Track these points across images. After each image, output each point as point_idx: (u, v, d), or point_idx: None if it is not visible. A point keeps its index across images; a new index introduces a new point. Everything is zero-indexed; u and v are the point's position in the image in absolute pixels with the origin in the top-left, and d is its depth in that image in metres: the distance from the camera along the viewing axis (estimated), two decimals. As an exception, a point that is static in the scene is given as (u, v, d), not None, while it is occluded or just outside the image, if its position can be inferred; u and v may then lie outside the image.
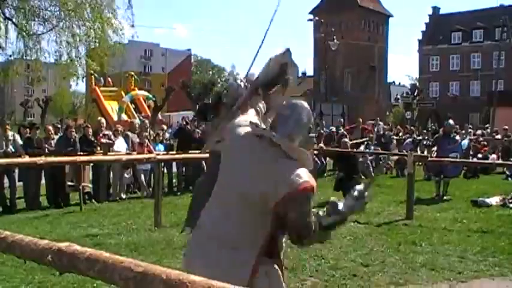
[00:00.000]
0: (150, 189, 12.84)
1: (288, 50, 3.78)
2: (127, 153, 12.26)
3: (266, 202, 2.66)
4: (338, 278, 6.05)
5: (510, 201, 11.72)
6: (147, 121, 16.35)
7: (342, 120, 21.74)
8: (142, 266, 1.72)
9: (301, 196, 2.63)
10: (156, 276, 1.64)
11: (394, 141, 20.06)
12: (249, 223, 2.74)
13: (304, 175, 2.66)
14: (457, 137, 14.34)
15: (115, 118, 21.63)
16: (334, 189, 12.45)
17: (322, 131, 19.63)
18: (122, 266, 1.78)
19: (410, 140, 19.54)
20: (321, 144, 14.59)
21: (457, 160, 12.92)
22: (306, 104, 3.02)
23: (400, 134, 22.40)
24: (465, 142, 19.09)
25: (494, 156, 19.22)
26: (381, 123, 22.01)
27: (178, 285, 1.57)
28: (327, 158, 17.92)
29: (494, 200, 11.81)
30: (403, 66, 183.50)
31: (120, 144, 12.86)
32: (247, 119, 3.03)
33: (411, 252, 7.21)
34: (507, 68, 40.99)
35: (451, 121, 14.10)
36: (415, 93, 54.58)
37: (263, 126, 2.96)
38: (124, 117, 21.74)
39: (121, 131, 13.54)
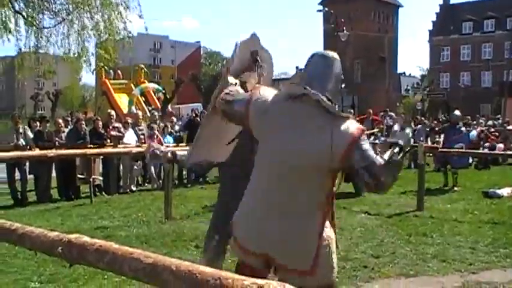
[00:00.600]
0: (160, 181, 12.88)
1: (254, 34, 3.75)
2: (137, 146, 12.28)
3: (324, 161, 2.75)
4: (349, 269, 6.03)
5: (522, 192, 11.66)
6: (156, 113, 16.35)
7: (352, 111, 21.57)
8: (152, 258, 1.72)
9: (362, 138, 2.79)
10: (166, 268, 1.64)
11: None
12: (307, 190, 2.83)
13: (352, 122, 2.83)
14: (463, 128, 14.29)
15: (125, 111, 21.66)
16: (344, 180, 12.44)
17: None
18: (132, 258, 1.79)
19: (421, 126, 19.35)
20: None
21: (466, 151, 12.89)
22: (336, 55, 3.15)
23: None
24: (473, 133, 19.03)
25: (501, 145, 19.13)
26: (392, 113, 21.95)
27: (188, 276, 1.57)
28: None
29: (506, 191, 11.74)
30: (413, 56, 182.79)
31: (129, 137, 12.89)
32: (270, 91, 3.13)
33: (422, 243, 7.19)
34: (518, 58, 40.68)
35: (457, 112, 14.08)
36: (426, 84, 54.38)
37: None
38: (134, 109, 21.76)
39: (131, 123, 13.56)
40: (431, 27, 72.47)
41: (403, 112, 41.62)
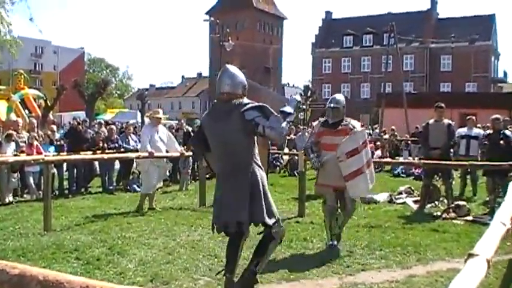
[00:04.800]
0: (40, 192, 12.38)
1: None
2: (14, 155, 11.73)
3: None
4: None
5: (396, 197, 12.33)
6: (34, 121, 15.71)
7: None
8: (19, 268, 1.67)
9: None
10: (33, 278, 1.60)
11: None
12: None
13: None
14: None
15: (3, 118, 20.67)
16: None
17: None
18: (-5, 270, 1.72)
19: (301, 134, 19.98)
20: None
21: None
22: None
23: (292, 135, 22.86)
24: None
25: (378, 152, 20.16)
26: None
27: (56, 286, 1.54)
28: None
29: (382, 197, 12.37)
30: (297, 68, 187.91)
31: (9, 149, 12.27)
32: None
33: (302, 248, 7.42)
34: (394, 71, 42.98)
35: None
36: (308, 95, 56.06)
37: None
38: (13, 117, 20.82)
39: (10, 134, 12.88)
40: (314, 40, 74.88)
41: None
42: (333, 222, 7.46)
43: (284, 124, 4.92)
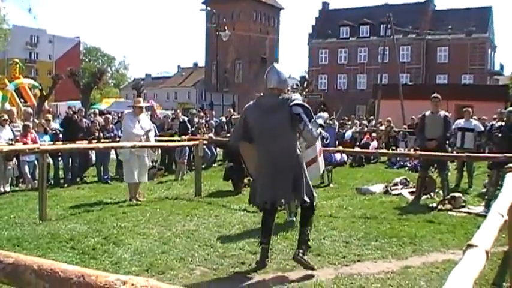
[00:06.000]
0: (35, 181, 12.33)
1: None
2: (9, 144, 11.67)
3: None
4: (226, 266, 6.12)
5: (392, 188, 12.35)
6: (30, 110, 15.64)
7: (231, 110, 21.80)
8: (13, 257, 1.65)
9: None
10: (28, 267, 1.58)
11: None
12: None
13: None
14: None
15: (-2, 107, 20.60)
16: (223, 178, 12.58)
17: (212, 121, 19.70)
18: (-10, 258, 1.70)
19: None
20: (211, 134, 14.62)
21: (340, 149, 13.47)
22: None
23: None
24: (349, 133, 19.94)
25: (374, 143, 20.18)
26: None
27: (51, 275, 1.52)
28: (217, 149, 18.03)
29: (378, 188, 12.39)
30: (293, 58, 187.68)
31: (4, 134, 12.23)
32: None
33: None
34: (391, 63, 42.91)
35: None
36: (305, 85, 56.02)
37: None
38: (8, 106, 20.76)
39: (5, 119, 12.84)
40: (310, 31, 74.76)
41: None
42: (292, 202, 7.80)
43: (318, 131, 6.00)
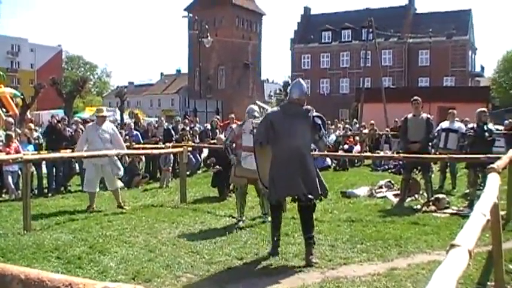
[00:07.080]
0: (19, 191, 12.22)
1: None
2: (-8, 154, 11.55)
3: None
4: (213, 272, 6.12)
5: (377, 191, 12.41)
6: (11, 119, 15.50)
7: (218, 117, 21.79)
8: (-1, 267, 1.64)
9: None
10: (15, 277, 1.57)
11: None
12: None
13: None
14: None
15: (-21, 117, 20.39)
16: (211, 185, 12.56)
17: (196, 128, 19.67)
18: (-25, 269, 1.69)
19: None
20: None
21: (327, 154, 13.48)
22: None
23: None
24: (333, 137, 20.00)
25: (358, 147, 20.26)
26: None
27: (38, 284, 1.51)
28: (202, 155, 18.01)
29: (362, 191, 12.44)
30: (276, 64, 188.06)
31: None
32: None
33: (284, 243, 7.39)
34: (373, 67, 43.17)
35: None
36: (288, 90, 56.15)
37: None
38: (-11, 116, 20.55)
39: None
40: (293, 36, 74.98)
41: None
42: (243, 202, 9.24)
43: (327, 143, 7.60)
